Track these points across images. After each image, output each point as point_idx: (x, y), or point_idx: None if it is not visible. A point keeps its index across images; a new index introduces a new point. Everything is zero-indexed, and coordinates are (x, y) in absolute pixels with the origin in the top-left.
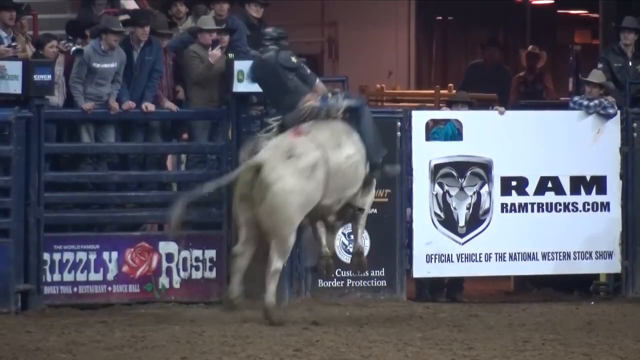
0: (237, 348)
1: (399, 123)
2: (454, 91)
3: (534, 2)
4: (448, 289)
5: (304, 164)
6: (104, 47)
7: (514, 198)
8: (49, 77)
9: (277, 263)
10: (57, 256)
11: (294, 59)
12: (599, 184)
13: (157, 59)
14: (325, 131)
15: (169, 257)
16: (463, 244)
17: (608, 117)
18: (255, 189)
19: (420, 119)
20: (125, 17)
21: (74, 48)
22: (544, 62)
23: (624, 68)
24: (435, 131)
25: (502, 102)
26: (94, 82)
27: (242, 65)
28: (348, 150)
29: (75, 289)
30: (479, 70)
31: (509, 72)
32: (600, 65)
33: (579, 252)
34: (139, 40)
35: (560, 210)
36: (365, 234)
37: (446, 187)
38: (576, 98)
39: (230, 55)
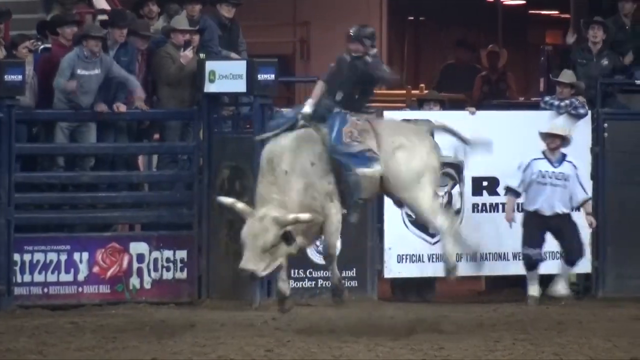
0: (208, 349)
1: None
2: (426, 91)
3: (505, 3)
4: (419, 289)
5: None
6: (87, 54)
7: (485, 198)
8: (20, 77)
9: None
10: (27, 257)
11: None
12: None
13: (132, 61)
14: None
15: (140, 257)
16: (434, 244)
17: (579, 117)
18: None
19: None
20: (103, 17)
21: (42, 47)
22: (505, 60)
23: (588, 64)
24: None
25: (471, 102)
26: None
27: (214, 66)
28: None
29: (45, 290)
30: (451, 71)
31: (478, 70)
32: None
33: (549, 252)
34: (115, 41)
35: None
36: None
37: None
38: (547, 98)
39: (202, 56)
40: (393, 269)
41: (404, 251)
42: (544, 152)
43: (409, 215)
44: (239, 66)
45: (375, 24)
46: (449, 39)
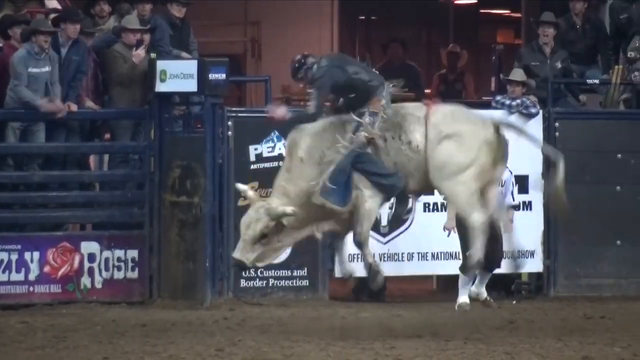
0: (159, 348)
1: None
2: None
3: (456, 2)
4: (371, 289)
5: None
6: (37, 50)
7: (436, 197)
8: None
9: None
10: None
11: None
12: (521, 183)
13: (83, 59)
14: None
15: (91, 257)
16: (385, 243)
17: (530, 116)
18: None
19: None
20: (54, 15)
21: None
22: (465, 61)
23: (542, 65)
24: None
25: (418, 100)
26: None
27: (165, 65)
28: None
29: None
30: (386, 72)
31: (417, 69)
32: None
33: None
34: (68, 37)
35: None
36: None
37: None
38: (499, 97)
39: (153, 55)
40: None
41: (355, 250)
42: None
43: None
44: (190, 66)
45: (325, 23)
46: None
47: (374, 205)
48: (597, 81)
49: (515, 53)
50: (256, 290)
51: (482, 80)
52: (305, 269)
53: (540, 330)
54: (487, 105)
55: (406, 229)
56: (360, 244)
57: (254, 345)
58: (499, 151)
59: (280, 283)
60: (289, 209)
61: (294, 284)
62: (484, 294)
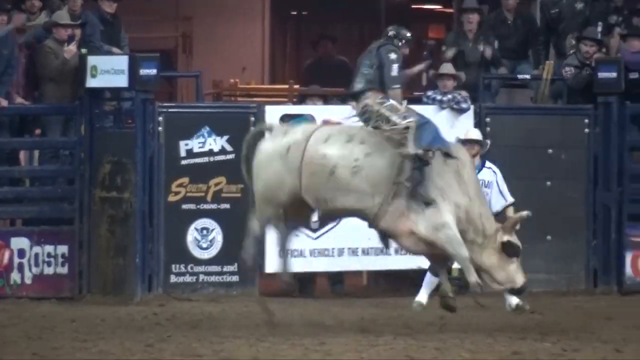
0: (89, 344)
1: (252, 118)
2: (296, 86)
3: None
4: (301, 284)
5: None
6: None
7: None
8: None
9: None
10: None
11: (390, 55)
12: None
13: (12, 54)
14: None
15: (21, 252)
16: (316, 239)
17: (461, 111)
18: None
19: (274, 114)
20: None
21: None
22: None
23: (465, 51)
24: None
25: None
26: None
27: (96, 61)
28: (352, 152)
29: None
30: (316, 69)
31: (349, 64)
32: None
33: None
34: None
35: None
36: (218, 229)
37: None
38: (430, 93)
39: (84, 51)
40: (274, 264)
41: (296, 246)
42: None
43: None
44: (121, 61)
45: (257, 19)
46: (332, 34)
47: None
48: (528, 76)
49: (444, 42)
50: (186, 286)
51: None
52: (235, 264)
53: (470, 326)
54: (418, 101)
55: (337, 224)
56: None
57: (183, 340)
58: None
59: (210, 279)
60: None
61: (224, 279)
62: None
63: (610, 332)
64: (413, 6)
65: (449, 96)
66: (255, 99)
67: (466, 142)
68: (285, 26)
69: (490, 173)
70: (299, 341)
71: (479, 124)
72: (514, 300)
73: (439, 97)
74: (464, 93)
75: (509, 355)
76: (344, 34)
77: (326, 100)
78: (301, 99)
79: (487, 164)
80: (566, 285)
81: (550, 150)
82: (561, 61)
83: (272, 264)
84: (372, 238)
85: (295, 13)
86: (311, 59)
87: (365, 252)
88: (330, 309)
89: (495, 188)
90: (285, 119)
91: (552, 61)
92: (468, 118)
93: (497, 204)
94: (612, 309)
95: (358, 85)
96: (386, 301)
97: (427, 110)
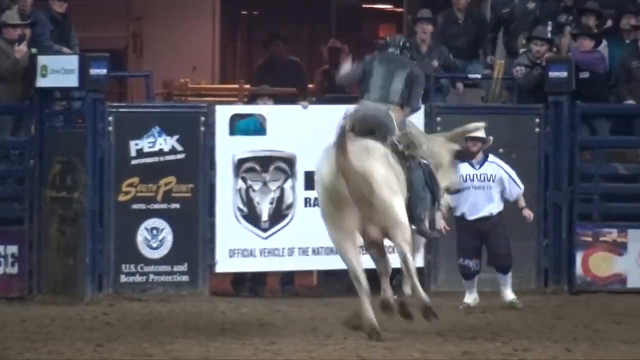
0: (39, 344)
1: (202, 118)
2: (245, 86)
3: None
4: (251, 284)
5: None
6: None
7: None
8: None
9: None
10: None
11: (421, 78)
12: None
13: None
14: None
15: None
16: (266, 238)
17: (412, 110)
18: None
19: (224, 113)
20: None
21: None
22: (346, 55)
23: (418, 63)
24: (239, 124)
25: (302, 96)
26: None
27: (46, 61)
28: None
29: None
30: (268, 68)
31: (300, 64)
32: None
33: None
34: None
35: None
36: (168, 228)
37: (249, 182)
38: None
39: (34, 50)
40: (225, 264)
41: (235, 246)
42: None
43: (240, 210)
44: (71, 61)
45: (207, 19)
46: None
47: None
48: (478, 76)
49: None
50: (136, 286)
51: None
52: (185, 264)
53: (420, 325)
54: None
55: (287, 224)
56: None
57: (133, 340)
58: None
59: (160, 278)
60: None
61: (174, 279)
62: (509, 296)
63: (561, 332)
64: (364, 6)
65: None
66: (205, 98)
67: (469, 139)
68: (236, 26)
69: (495, 167)
70: (249, 341)
71: (429, 123)
72: (509, 295)
73: None
74: None
75: (460, 355)
76: (295, 33)
77: (276, 100)
78: (251, 99)
79: (490, 158)
80: (517, 285)
81: (501, 150)
82: (513, 60)
83: (222, 264)
84: (322, 237)
85: (245, 13)
86: (263, 59)
87: (316, 251)
88: (281, 308)
89: (506, 178)
90: (236, 118)
91: (503, 60)
92: (419, 117)
93: (514, 193)
94: (563, 308)
95: (394, 96)
96: (336, 301)
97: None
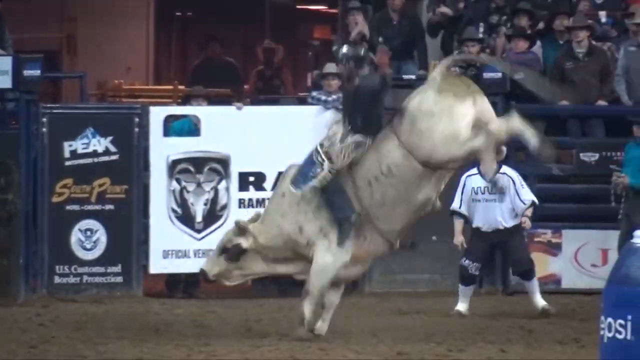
0: None
1: (136, 119)
2: (180, 87)
3: None
4: (185, 285)
5: None
6: None
7: (252, 194)
8: None
9: None
10: None
11: None
12: None
13: None
14: None
15: None
16: (200, 239)
17: None
18: None
19: (158, 114)
20: None
21: None
22: (281, 56)
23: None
24: (173, 125)
25: (237, 97)
26: None
27: None
28: None
29: None
30: (204, 69)
31: (236, 66)
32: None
33: None
34: None
35: None
36: (102, 230)
37: (184, 183)
38: (315, 93)
39: None
40: (159, 265)
41: (169, 247)
42: (477, 167)
43: (174, 211)
44: (5, 62)
45: (142, 20)
46: (217, 35)
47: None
48: (413, 77)
49: (331, 49)
50: (70, 287)
51: (299, 76)
52: (120, 265)
53: (355, 326)
54: (304, 101)
55: (221, 224)
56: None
57: (67, 342)
58: None
59: (94, 279)
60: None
61: (108, 280)
62: (540, 303)
63: (496, 332)
64: (298, 7)
65: (334, 96)
66: (139, 99)
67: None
68: (170, 27)
69: (505, 178)
70: (183, 342)
71: None
72: (540, 302)
73: (323, 98)
74: None
75: (394, 356)
76: (229, 34)
77: (211, 101)
78: (185, 100)
79: (503, 169)
80: (451, 286)
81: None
82: None
83: (156, 265)
84: None
85: (179, 14)
86: (198, 60)
87: None
88: (215, 309)
89: (512, 191)
90: (170, 119)
91: (438, 61)
92: None
93: (517, 207)
94: (497, 309)
95: None
96: (271, 302)
97: (311, 111)
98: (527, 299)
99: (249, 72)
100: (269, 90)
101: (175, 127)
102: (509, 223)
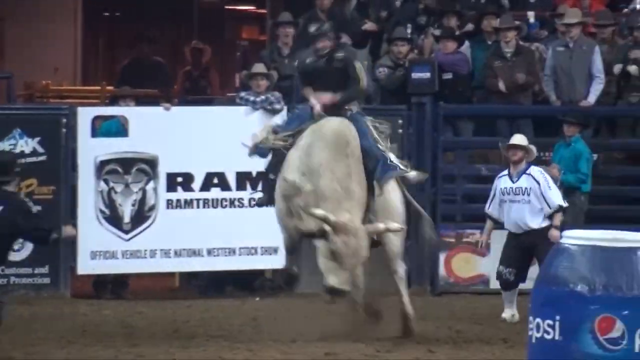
0: None
1: (64, 120)
2: (108, 88)
3: None
4: (113, 286)
5: None
6: None
7: (180, 194)
8: None
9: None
10: None
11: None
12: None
13: None
14: None
15: None
16: (128, 240)
17: (275, 112)
18: None
19: (86, 115)
20: None
21: None
22: (209, 57)
23: (281, 64)
24: (102, 126)
25: (165, 97)
26: None
27: None
28: None
29: None
30: (133, 70)
31: (166, 66)
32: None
33: (244, 248)
34: None
35: (226, 206)
36: None
37: (112, 184)
38: (243, 94)
39: None
40: (86, 266)
41: (97, 248)
42: (508, 168)
43: (102, 212)
44: None
45: (69, 20)
46: (145, 35)
47: None
48: None
49: (259, 53)
50: None
51: (227, 76)
52: (47, 266)
53: (283, 327)
54: (232, 102)
55: (149, 226)
56: None
57: None
58: None
59: (21, 280)
60: (395, 226)
61: (35, 281)
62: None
63: (424, 333)
64: (227, 7)
65: (262, 97)
66: (67, 100)
67: (509, 148)
68: (98, 27)
69: (530, 180)
70: (111, 343)
71: None
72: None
73: (252, 98)
74: (277, 94)
75: (322, 356)
76: (158, 34)
77: (139, 101)
78: (113, 100)
79: (529, 170)
80: (381, 284)
81: None
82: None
83: (83, 266)
84: (184, 239)
85: (107, 14)
86: (127, 60)
87: (178, 253)
88: (143, 310)
89: (539, 194)
90: (98, 120)
91: (366, 62)
92: (281, 118)
93: (545, 210)
94: (426, 309)
95: None
96: (198, 303)
97: (240, 111)
98: (453, 299)
99: (178, 73)
100: (197, 91)
101: (103, 127)
102: (534, 224)
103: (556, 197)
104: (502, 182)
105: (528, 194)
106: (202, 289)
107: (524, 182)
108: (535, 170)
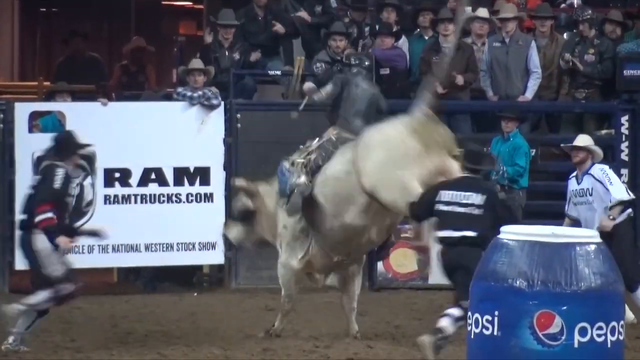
0: None
1: (1, 115)
2: (45, 83)
3: None
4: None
5: None
6: None
7: (118, 190)
8: None
9: None
10: None
11: None
12: (203, 175)
13: None
14: None
15: None
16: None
17: (212, 107)
18: None
19: (23, 111)
20: None
21: None
22: (147, 52)
23: (221, 58)
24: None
25: (102, 92)
26: None
27: None
28: None
29: None
30: (69, 65)
31: (101, 61)
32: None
33: (182, 244)
34: None
35: (163, 201)
36: None
37: None
38: (180, 89)
39: None
40: (25, 261)
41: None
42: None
43: None
44: None
45: (6, 15)
46: (82, 31)
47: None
48: (279, 72)
49: (199, 50)
50: None
51: (164, 71)
52: None
53: (221, 322)
54: (169, 97)
55: (87, 221)
56: None
57: None
58: None
59: None
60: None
61: None
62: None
63: (363, 328)
64: (163, 2)
65: (200, 92)
66: (4, 95)
67: (572, 149)
68: (35, 23)
69: (590, 180)
70: (50, 338)
71: (229, 120)
72: (630, 316)
73: (189, 94)
74: (214, 89)
75: (260, 352)
76: (95, 30)
77: (75, 97)
78: (50, 96)
79: (592, 169)
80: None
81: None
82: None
83: (21, 261)
84: (122, 235)
85: (44, 10)
86: (63, 56)
87: (116, 248)
88: (81, 305)
89: (599, 187)
90: (35, 116)
91: (303, 57)
92: (219, 114)
93: (600, 208)
94: (364, 305)
95: None
96: (137, 298)
97: (177, 107)
98: (391, 294)
99: (114, 68)
100: (134, 86)
101: (41, 123)
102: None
103: (616, 192)
104: (570, 184)
105: (590, 194)
106: (140, 285)
107: (586, 183)
108: (596, 169)
